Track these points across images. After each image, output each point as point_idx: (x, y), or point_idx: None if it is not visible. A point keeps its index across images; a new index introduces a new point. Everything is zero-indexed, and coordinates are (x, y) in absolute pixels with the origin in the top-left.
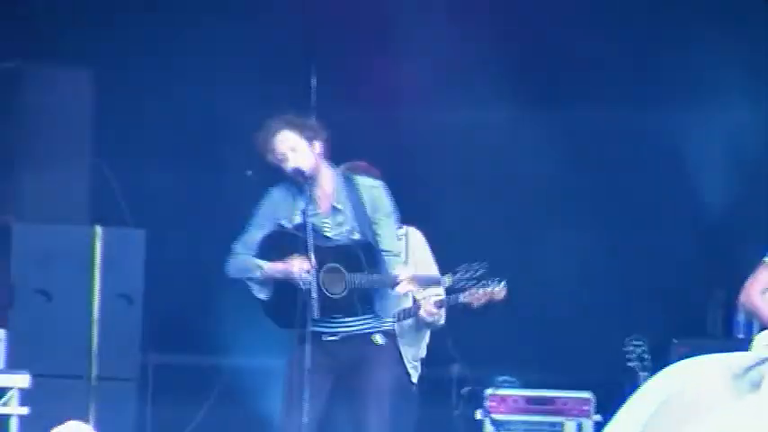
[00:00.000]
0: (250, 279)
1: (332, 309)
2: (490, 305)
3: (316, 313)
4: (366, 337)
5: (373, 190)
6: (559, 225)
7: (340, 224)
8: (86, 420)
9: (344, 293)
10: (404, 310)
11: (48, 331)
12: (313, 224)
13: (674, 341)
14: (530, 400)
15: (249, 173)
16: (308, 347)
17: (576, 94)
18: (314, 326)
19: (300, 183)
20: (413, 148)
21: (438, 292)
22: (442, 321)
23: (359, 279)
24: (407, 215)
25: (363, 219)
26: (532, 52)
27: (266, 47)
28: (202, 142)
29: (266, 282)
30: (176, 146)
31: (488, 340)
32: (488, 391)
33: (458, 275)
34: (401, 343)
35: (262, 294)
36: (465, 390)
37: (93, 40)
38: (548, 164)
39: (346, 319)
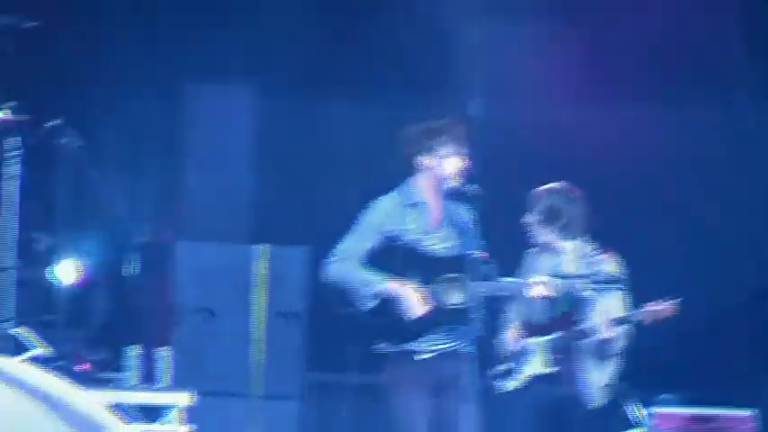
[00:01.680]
0: (360, 289)
1: (447, 319)
2: (660, 321)
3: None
4: (457, 354)
5: (470, 214)
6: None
7: (447, 239)
8: None
9: (463, 303)
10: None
11: (211, 349)
12: (421, 236)
13: None
14: (693, 418)
15: None
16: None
17: None
18: (411, 345)
19: (417, 195)
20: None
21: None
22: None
23: (484, 287)
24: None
25: (468, 232)
26: None
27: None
28: (366, 159)
29: (379, 295)
30: (339, 162)
31: (650, 358)
32: (652, 409)
33: (590, 279)
34: (587, 365)
35: (369, 305)
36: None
37: (259, 57)
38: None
39: (443, 338)
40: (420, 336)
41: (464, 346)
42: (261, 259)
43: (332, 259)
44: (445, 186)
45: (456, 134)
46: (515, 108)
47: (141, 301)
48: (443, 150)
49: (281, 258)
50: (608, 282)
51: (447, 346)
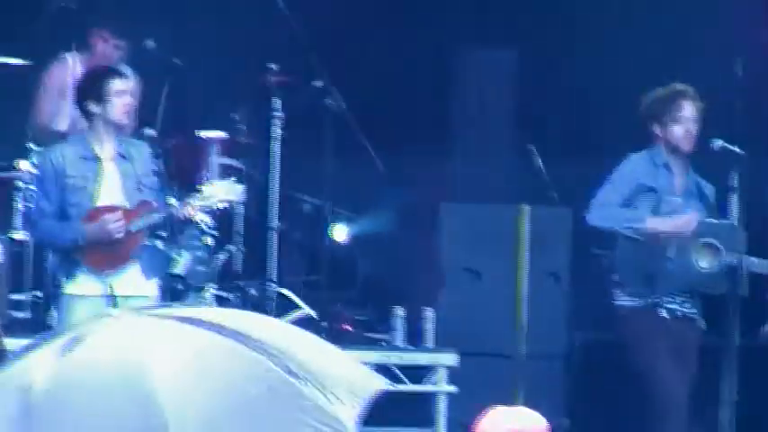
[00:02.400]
0: (625, 228)
1: (695, 282)
2: None
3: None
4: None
5: (706, 187)
6: None
7: (685, 207)
8: (513, 399)
9: (715, 270)
10: None
11: (476, 310)
12: (662, 198)
13: None
14: None
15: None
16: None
17: None
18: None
19: (664, 157)
20: None
21: None
22: None
23: (739, 259)
24: None
25: (707, 202)
26: None
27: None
28: (619, 117)
29: (644, 233)
30: (599, 123)
31: None
32: None
33: None
34: None
35: (635, 235)
36: None
37: (520, 21)
38: None
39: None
40: (667, 293)
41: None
42: (523, 219)
43: (591, 205)
44: (685, 148)
45: (691, 101)
46: None
47: (407, 262)
48: (685, 117)
49: (544, 219)
50: None
51: (687, 311)
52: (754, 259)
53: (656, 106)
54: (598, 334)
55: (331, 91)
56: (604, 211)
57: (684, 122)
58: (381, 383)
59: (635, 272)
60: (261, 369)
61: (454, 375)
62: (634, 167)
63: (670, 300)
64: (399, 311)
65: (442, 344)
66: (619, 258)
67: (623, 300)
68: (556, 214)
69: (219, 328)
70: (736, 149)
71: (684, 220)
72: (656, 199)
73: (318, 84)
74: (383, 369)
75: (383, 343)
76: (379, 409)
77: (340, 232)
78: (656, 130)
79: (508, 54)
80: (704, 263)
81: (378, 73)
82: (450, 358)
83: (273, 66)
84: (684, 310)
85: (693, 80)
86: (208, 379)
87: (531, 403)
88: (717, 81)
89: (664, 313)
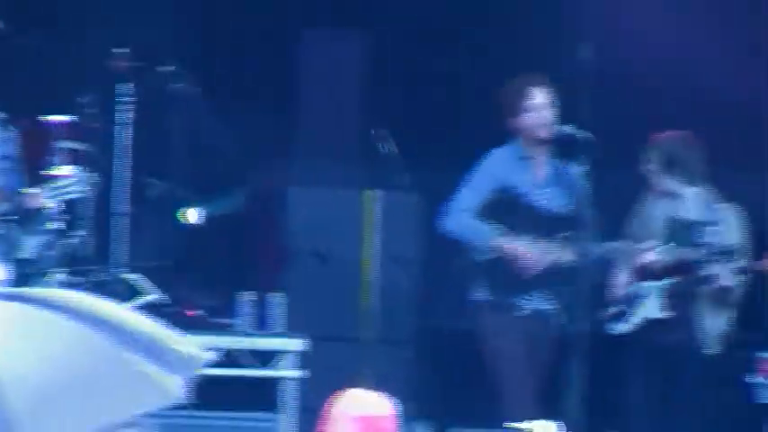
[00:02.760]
0: (473, 242)
1: (552, 277)
2: None
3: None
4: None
5: (573, 169)
6: None
7: (554, 193)
8: (361, 383)
9: (574, 263)
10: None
11: (324, 295)
12: (530, 192)
13: None
14: None
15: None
16: None
17: None
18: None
19: (524, 150)
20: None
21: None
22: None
23: (597, 249)
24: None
25: (576, 195)
26: None
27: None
28: (477, 107)
29: (493, 250)
30: (452, 109)
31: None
32: (761, 354)
33: (715, 262)
34: (703, 316)
35: (483, 256)
36: (740, 353)
37: (373, 5)
38: None
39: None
40: (525, 291)
41: (564, 308)
42: (371, 204)
43: (448, 211)
44: (542, 136)
45: (544, 87)
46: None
47: (254, 247)
48: (536, 105)
49: (393, 204)
50: (723, 253)
51: (549, 306)
52: (613, 244)
53: (507, 99)
54: (446, 319)
55: (182, 75)
56: (460, 219)
57: (536, 110)
58: (209, 355)
59: (492, 268)
60: (88, 339)
61: (303, 360)
62: (495, 165)
63: (527, 297)
64: (248, 296)
65: (290, 329)
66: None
67: (479, 294)
68: (405, 199)
69: (45, 303)
70: (585, 134)
71: (526, 250)
72: (517, 198)
73: (169, 68)
74: (232, 354)
75: (231, 328)
76: (229, 394)
77: (190, 217)
78: (513, 122)
79: (357, 36)
80: (562, 258)
81: (227, 56)
82: (298, 343)
83: (123, 50)
84: (541, 306)
85: (545, 66)
86: (36, 351)
87: (379, 388)
88: (567, 66)
89: (519, 311)
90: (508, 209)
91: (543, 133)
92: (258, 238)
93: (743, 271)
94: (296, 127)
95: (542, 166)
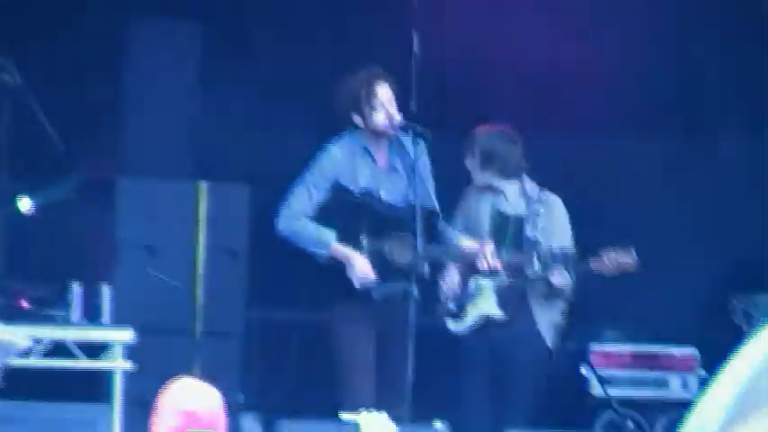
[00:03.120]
0: (309, 250)
1: (392, 276)
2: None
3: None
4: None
5: (423, 154)
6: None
7: (395, 185)
8: (193, 375)
9: (410, 263)
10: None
11: (153, 286)
12: (370, 186)
13: None
14: (635, 355)
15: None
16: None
17: None
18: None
19: (364, 142)
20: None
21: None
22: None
23: (432, 251)
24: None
25: (412, 177)
26: None
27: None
28: (307, 98)
29: (328, 257)
30: (279, 101)
31: (593, 294)
32: (593, 346)
33: (543, 258)
34: (536, 311)
35: (321, 260)
36: (570, 344)
37: None
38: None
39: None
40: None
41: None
42: (200, 196)
43: (282, 213)
44: (387, 131)
45: (383, 80)
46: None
47: (84, 237)
48: (381, 99)
49: (221, 195)
50: (555, 259)
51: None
52: (437, 247)
53: (350, 91)
54: (275, 312)
55: (6, 64)
56: (295, 223)
57: (380, 105)
58: (26, 343)
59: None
60: None
61: (131, 352)
62: (333, 164)
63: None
64: (76, 287)
65: (119, 320)
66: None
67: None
68: (233, 191)
69: None
70: (417, 127)
71: (360, 267)
72: (356, 196)
73: None
74: (59, 345)
75: (59, 319)
76: (57, 385)
77: (21, 206)
78: (356, 119)
79: (188, 27)
80: (400, 257)
81: (53, 47)
82: (126, 334)
83: None
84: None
85: (378, 58)
86: None
87: (208, 380)
88: (400, 59)
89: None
90: (346, 208)
91: (390, 128)
92: (88, 229)
93: (573, 267)
94: (126, 117)
95: (383, 159)
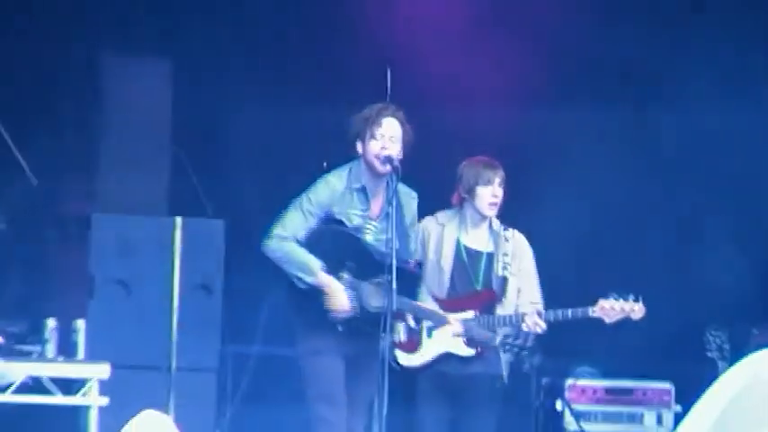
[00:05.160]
0: (295, 275)
1: (365, 321)
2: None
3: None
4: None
5: (412, 201)
6: (637, 214)
7: (382, 230)
8: (165, 411)
9: (381, 311)
10: (504, 317)
11: (128, 322)
12: (361, 227)
13: (755, 331)
14: (609, 390)
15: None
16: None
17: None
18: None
19: (363, 180)
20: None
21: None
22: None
23: (407, 305)
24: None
25: (401, 229)
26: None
27: (342, 49)
28: (281, 135)
29: (311, 284)
30: (255, 138)
31: (567, 330)
32: (568, 382)
33: (508, 339)
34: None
35: (303, 285)
36: (545, 380)
37: (174, 31)
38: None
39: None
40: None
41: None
42: (175, 231)
43: (274, 232)
44: (377, 160)
45: (388, 119)
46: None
47: (59, 273)
48: (379, 126)
49: (196, 231)
50: (521, 348)
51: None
52: (410, 302)
53: (359, 119)
54: (250, 346)
55: None
56: (285, 244)
57: (381, 137)
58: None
59: (310, 308)
60: None
61: (107, 387)
62: (330, 194)
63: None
64: (51, 323)
65: (94, 356)
66: (294, 294)
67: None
68: (208, 226)
69: None
70: (395, 160)
71: (341, 300)
72: (346, 231)
73: None
74: (35, 381)
75: (35, 355)
76: (33, 421)
77: None
78: (358, 145)
79: (162, 63)
80: (374, 302)
81: (27, 82)
82: (101, 370)
83: None
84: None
85: (354, 95)
86: None
87: (184, 415)
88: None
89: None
90: (335, 241)
91: (377, 156)
92: (64, 265)
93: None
94: (101, 152)
95: (378, 205)
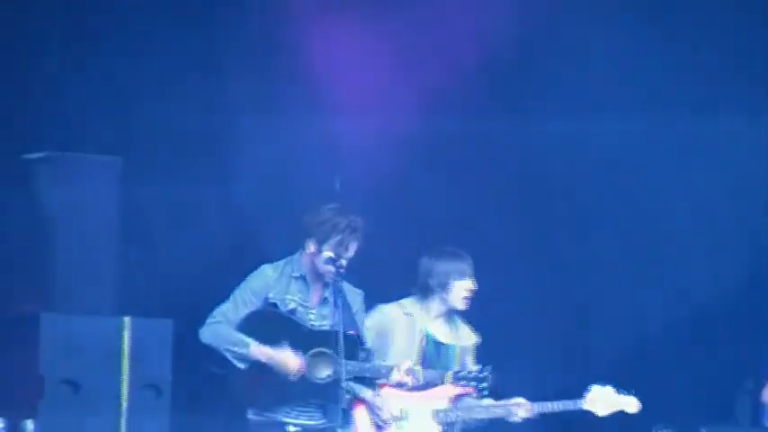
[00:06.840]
0: (229, 351)
1: (313, 394)
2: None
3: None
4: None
5: (357, 297)
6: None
7: (324, 317)
8: None
9: (330, 379)
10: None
11: (76, 422)
12: (293, 308)
13: (702, 430)
14: None
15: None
16: None
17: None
18: (279, 414)
19: (304, 271)
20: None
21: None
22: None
23: (351, 366)
24: None
25: (346, 317)
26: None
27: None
28: (229, 225)
29: (246, 358)
30: (205, 232)
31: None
32: None
33: (459, 374)
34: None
35: (241, 365)
36: None
37: (121, 129)
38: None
39: (312, 413)
40: (287, 406)
41: (330, 423)
42: (123, 331)
43: (209, 321)
44: (327, 270)
45: (341, 226)
46: None
47: (6, 373)
48: (347, 250)
49: (144, 330)
50: (473, 379)
51: (314, 422)
52: (357, 363)
53: (328, 222)
54: None
55: None
56: (216, 327)
57: (342, 251)
58: None
59: (258, 389)
60: None
61: None
62: (264, 282)
63: (292, 413)
64: (0, 423)
65: None
66: (240, 376)
67: (251, 414)
68: (156, 326)
69: None
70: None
71: (288, 357)
72: (280, 314)
73: None
74: None
75: None
76: None
77: None
78: (309, 243)
79: (112, 162)
80: (320, 372)
81: None
82: None
83: None
84: (308, 422)
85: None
86: None
87: None
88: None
89: (289, 428)
90: (270, 323)
91: (328, 264)
92: (12, 365)
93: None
94: (50, 252)
95: (318, 286)
